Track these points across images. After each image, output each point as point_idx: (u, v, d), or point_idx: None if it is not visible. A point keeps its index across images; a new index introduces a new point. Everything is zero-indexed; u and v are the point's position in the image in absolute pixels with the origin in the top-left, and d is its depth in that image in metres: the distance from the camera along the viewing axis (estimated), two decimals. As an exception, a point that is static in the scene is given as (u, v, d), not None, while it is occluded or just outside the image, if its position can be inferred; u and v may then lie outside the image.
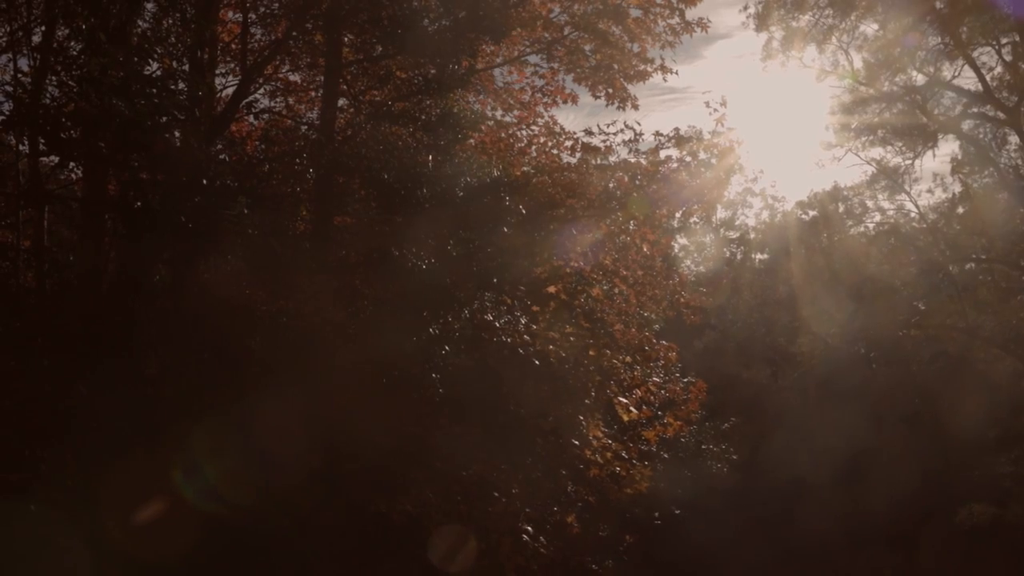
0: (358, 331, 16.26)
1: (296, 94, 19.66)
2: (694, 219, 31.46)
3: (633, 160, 19.25)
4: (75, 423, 13.37)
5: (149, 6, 15.72)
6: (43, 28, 14.21)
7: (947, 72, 30.11)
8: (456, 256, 15.89)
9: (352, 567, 14.77)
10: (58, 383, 13.21)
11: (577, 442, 16.97)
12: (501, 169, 17.34)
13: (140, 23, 15.00)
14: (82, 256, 15.38)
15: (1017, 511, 25.71)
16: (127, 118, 12.77)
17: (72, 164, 15.65)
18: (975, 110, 30.59)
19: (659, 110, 67.57)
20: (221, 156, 15.92)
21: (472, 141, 18.18)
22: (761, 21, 30.34)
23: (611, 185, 19.24)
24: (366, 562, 14.89)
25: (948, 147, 43.86)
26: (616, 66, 19.51)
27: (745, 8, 30.87)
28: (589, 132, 19.40)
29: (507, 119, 20.29)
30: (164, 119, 13.72)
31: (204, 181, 13.44)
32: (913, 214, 32.54)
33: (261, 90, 18.75)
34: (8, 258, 14.23)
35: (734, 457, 24.92)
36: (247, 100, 17.55)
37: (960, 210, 33.13)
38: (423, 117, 17.13)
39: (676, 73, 19.65)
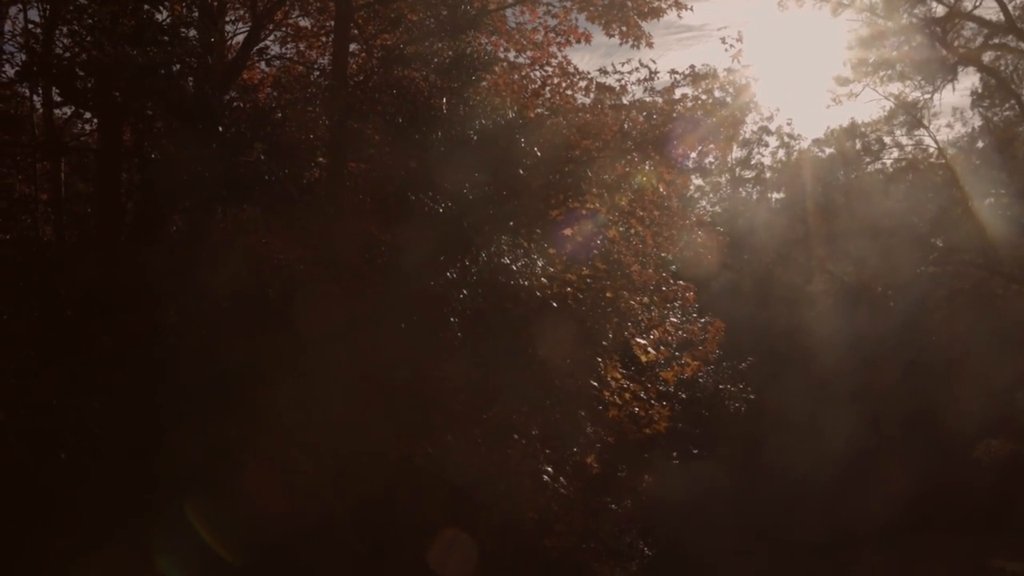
0: (376, 278, 16.33)
1: (307, 40, 19.45)
2: (710, 159, 31.19)
3: (648, 100, 19.04)
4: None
5: (155, -48, 15.57)
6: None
7: (968, 2, 29.46)
8: (472, 199, 15.83)
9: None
10: (82, 337, 13.33)
11: (596, 383, 17.09)
12: (515, 111, 17.18)
13: (149, -30, 14.85)
14: (99, 207, 15.44)
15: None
16: (141, 66, 12.70)
17: (87, 115, 15.64)
18: (996, 41, 29.92)
19: (675, 48, 66.50)
20: (235, 104, 15.86)
21: (485, 83, 17.97)
22: (778, -45, 29.69)
23: (626, 125, 19.04)
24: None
25: (968, 80, 43.22)
26: (630, 3, 19.13)
27: (761, -59, 30.24)
28: (603, 72, 19.18)
29: (520, 60, 20.01)
30: (177, 67, 13.65)
31: (220, 128, 13.39)
32: (932, 149, 32.15)
33: (272, 36, 18.58)
34: (28, 211, 14.30)
35: (752, 397, 25.00)
36: (258, 47, 17.45)
37: (980, 144, 32.72)
38: (435, 60, 16.94)
39: (691, 9, 19.27)
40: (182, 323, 15.88)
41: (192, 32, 14.72)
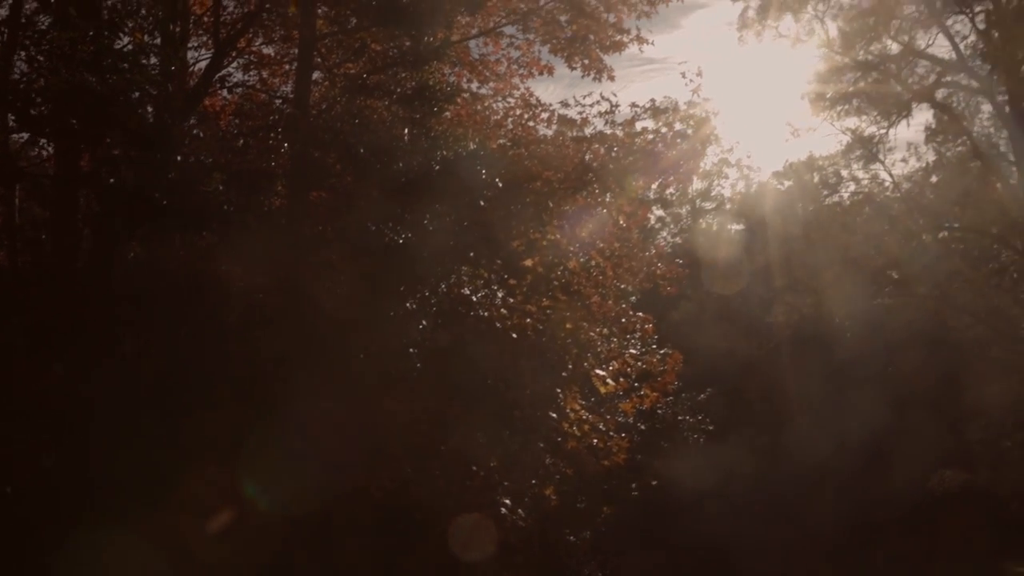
0: (335, 306, 16.27)
1: (270, 67, 19.46)
2: (670, 190, 31.53)
3: (609, 132, 19.24)
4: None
5: (119, -22, 15.50)
6: (11, 1, 13.98)
7: (921, 41, 30.14)
8: (432, 230, 15.88)
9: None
10: (34, 365, 13.14)
11: (555, 415, 17.12)
12: (477, 142, 17.28)
13: (110, -4, 14.77)
14: (55, 234, 15.25)
15: (985, 476, 26.26)
16: (99, 93, 12.60)
17: (43, 141, 15.46)
18: (949, 79, 30.67)
19: (638, 80, 67.44)
20: (195, 131, 15.80)
21: (448, 114, 18.07)
22: (738, -10, 30.24)
23: (587, 157, 19.21)
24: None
25: (922, 116, 44.17)
26: (592, 37, 19.41)
27: (722, -24, 30.79)
28: (565, 104, 19.39)
29: (483, 91, 20.19)
30: (136, 94, 13.57)
31: (178, 157, 13.32)
32: (887, 183, 32.72)
33: (234, 64, 18.57)
34: (-20, 236, 14.10)
35: (710, 428, 25.20)
36: (220, 74, 17.41)
37: (933, 179, 33.36)
38: (398, 90, 17.02)
39: (652, 44, 19.62)
40: (139, 351, 15.71)
41: (153, 59, 14.63)
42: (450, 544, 15.43)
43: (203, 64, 17.57)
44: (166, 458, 13.76)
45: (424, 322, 16.08)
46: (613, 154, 19.26)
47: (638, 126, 19.92)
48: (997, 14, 28.57)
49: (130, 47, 14.13)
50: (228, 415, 14.36)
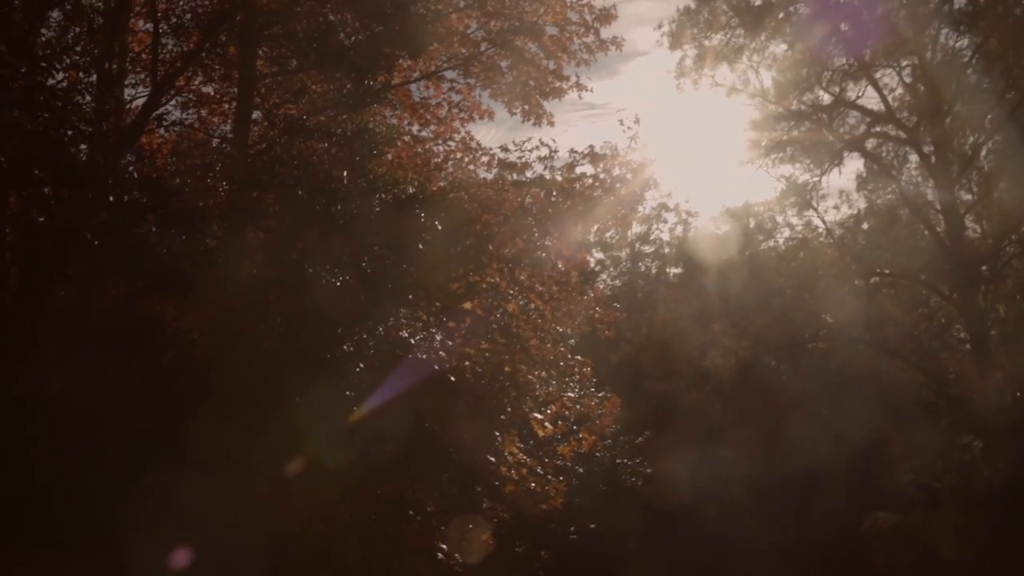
0: (271, 348, 16.08)
1: (209, 106, 19.28)
2: (610, 234, 31.84)
3: (549, 177, 19.43)
4: None
5: (54, 14, 15.34)
6: (-61, 37, 13.70)
7: (852, 92, 31.15)
8: (371, 273, 15.82)
9: None
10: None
11: (493, 458, 17.06)
12: (417, 185, 17.33)
13: (45, 32, 14.63)
14: (-20, 273, 14.86)
15: (916, 517, 26.66)
16: (29, 131, 12.39)
17: (-31, 178, 15.09)
18: (878, 129, 31.70)
19: (579, 124, 68.30)
20: (130, 170, 15.58)
21: (388, 156, 18.13)
22: (675, 40, 30.94)
23: (527, 201, 19.38)
24: None
25: (853, 164, 45.28)
26: (532, 83, 19.67)
27: (660, 27, 31.48)
28: (505, 149, 19.55)
29: (424, 134, 20.28)
30: (69, 132, 13.36)
31: (111, 197, 13.10)
32: (821, 229, 33.52)
33: (173, 102, 18.35)
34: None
35: (648, 471, 25.28)
36: (158, 112, 17.19)
37: (865, 226, 34.28)
38: (338, 132, 17.01)
39: (591, 91, 19.93)
40: (68, 393, 15.30)
41: (88, 97, 14.44)
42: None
43: (140, 102, 17.36)
44: (98, 509, 13.39)
45: (361, 365, 15.94)
46: (552, 198, 19.46)
47: (577, 171, 20.19)
48: (922, 68, 29.69)
49: (64, 84, 13.96)
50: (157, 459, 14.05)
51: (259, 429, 14.74)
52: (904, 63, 30.23)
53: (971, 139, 30.47)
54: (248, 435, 14.59)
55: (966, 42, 29.76)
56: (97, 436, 14.11)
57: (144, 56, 18.12)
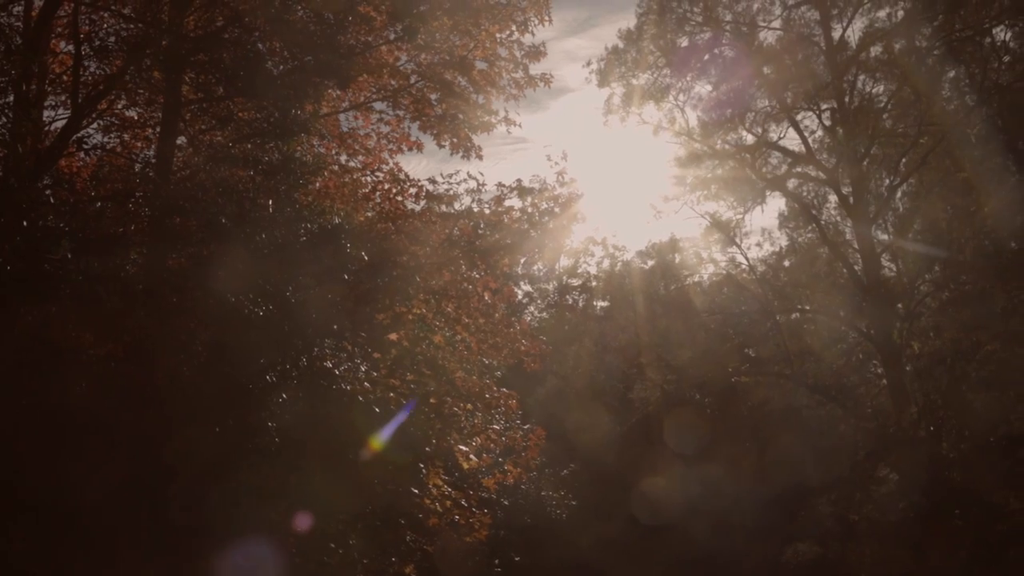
0: (192, 377, 15.75)
1: (132, 130, 18.91)
2: (537, 267, 32.16)
3: (477, 209, 19.56)
4: None
5: (-30, 34, 14.97)
6: None
7: (774, 133, 32.13)
8: (295, 303, 15.64)
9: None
10: None
11: (416, 490, 16.92)
12: (344, 215, 17.26)
13: (-42, 52, 14.24)
14: None
15: (836, 549, 27.19)
16: (-60, 153, 12.03)
17: None
18: (799, 170, 32.67)
19: (508, 158, 69.00)
20: (47, 193, 15.18)
21: (316, 186, 18.01)
22: (603, 78, 31.60)
23: (455, 232, 19.44)
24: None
25: (776, 203, 46.45)
26: (461, 116, 19.82)
27: (588, 64, 32.11)
28: (433, 180, 19.65)
29: (352, 164, 20.24)
30: (-18, 155, 13.00)
31: (25, 223, 12.75)
32: (744, 265, 34.27)
33: (94, 125, 17.96)
34: None
35: (573, 503, 25.33)
36: (78, 135, 16.79)
37: (786, 263, 35.17)
38: (265, 159, 16.83)
39: (520, 126, 20.15)
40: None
41: (3, 119, 14.08)
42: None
43: (60, 124, 16.99)
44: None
45: (284, 395, 15.70)
46: (480, 230, 19.56)
47: (505, 204, 20.36)
48: (841, 112, 30.77)
49: (-21, 106, 13.61)
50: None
51: (175, 468, 14.44)
52: (824, 106, 31.31)
53: (887, 181, 31.60)
54: (162, 480, 14.29)
55: (882, 88, 31.03)
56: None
57: (65, 78, 17.76)
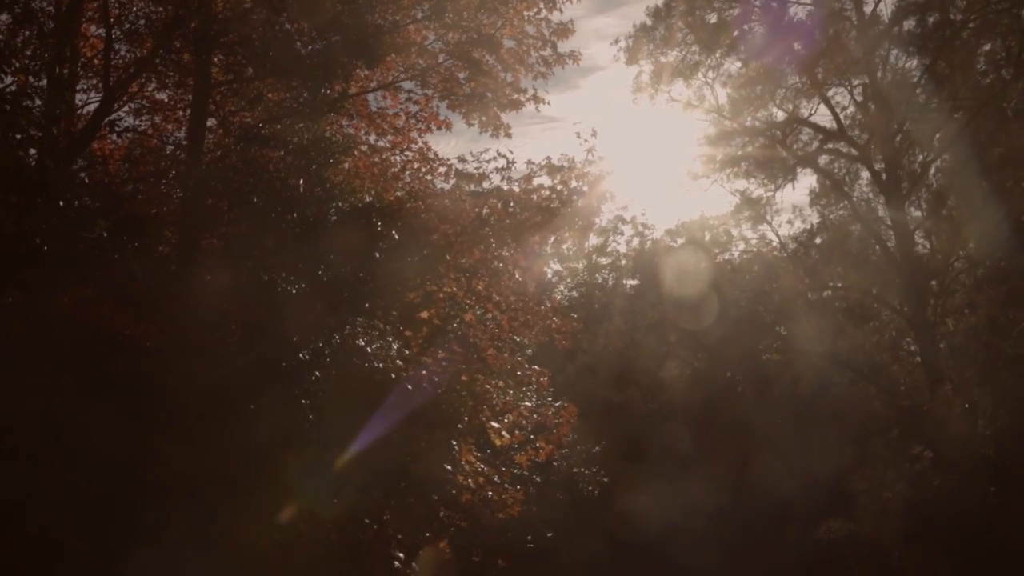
0: (227, 357, 15.90)
1: (163, 113, 19.12)
2: (567, 246, 31.97)
3: (506, 188, 19.48)
4: None
5: (3, 17, 15.13)
6: None
7: (805, 110, 31.80)
8: (327, 281, 15.74)
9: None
10: None
11: (449, 467, 16.99)
12: (374, 194, 17.30)
13: (-7, 35, 14.40)
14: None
15: (868, 526, 27.06)
16: (-23, 135, 12.20)
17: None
18: (830, 146, 32.33)
19: (538, 137, 68.81)
20: (81, 175, 15.36)
21: (345, 165, 18.06)
22: (631, 56, 31.37)
23: (484, 212, 19.40)
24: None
25: (807, 180, 46.15)
26: (490, 95, 19.73)
27: (616, 42, 31.88)
28: (463, 159, 19.57)
29: (381, 144, 20.23)
30: (18, 137, 13.14)
31: (61, 203, 12.90)
32: (775, 243, 34.03)
33: (125, 108, 18.15)
34: None
35: (605, 480, 25.36)
36: (110, 118, 16.96)
37: (818, 240, 34.86)
38: (295, 140, 16.94)
39: (548, 103, 20.03)
40: (17, 399, 14.99)
41: (38, 101, 14.23)
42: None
43: (92, 107, 17.15)
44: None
45: (318, 373, 15.83)
46: (510, 209, 19.50)
47: (535, 182, 20.28)
48: (873, 88, 30.38)
49: (13, 88, 13.74)
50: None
51: (217, 444, 14.59)
52: (855, 82, 30.95)
53: (920, 157, 31.21)
54: (206, 452, 14.42)
55: (915, 63, 30.58)
56: (50, 451, 13.83)
57: (96, 61, 17.93)
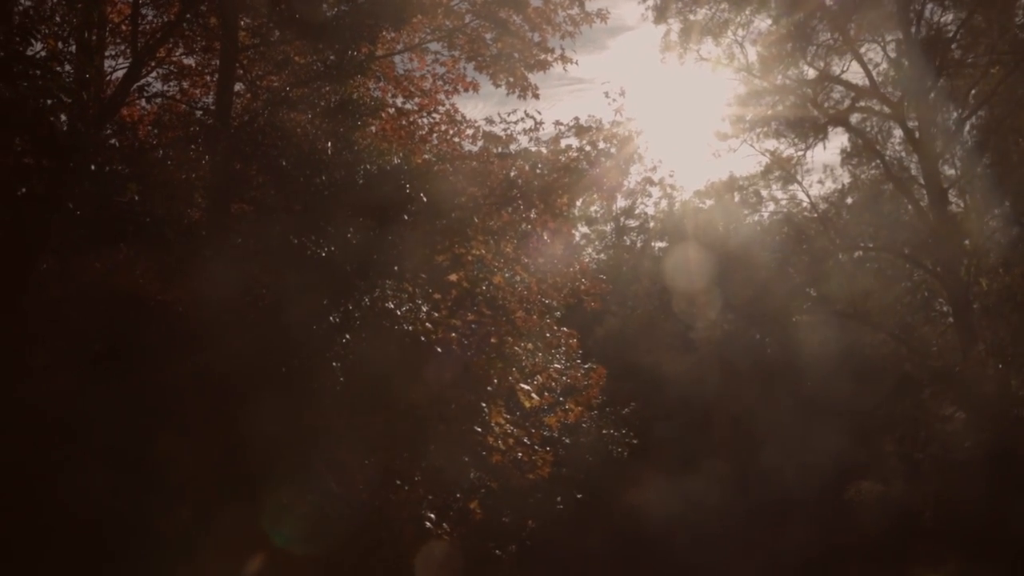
0: (257, 320, 16.02)
1: (191, 78, 19.12)
2: (595, 208, 31.85)
3: (534, 149, 19.40)
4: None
5: (32, -16, 15.12)
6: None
7: (836, 67, 31.26)
8: (356, 244, 15.76)
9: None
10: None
11: (479, 429, 17.11)
12: (402, 157, 17.26)
13: (22, 1, 14.41)
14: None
15: (899, 488, 26.99)
16: (8, 100, 12.24)
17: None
18: (862, 104, 31.79)
19: (566, 99, 68.25)
20: (111, 141, 15.43)
21: (373, 128, 18.04)
22: (660, 14, 30.92)
23: (512, 174, 19.34)
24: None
25: (838, 139, 45.54)
26: (517, 55, 19.57)
27: (644, 0, 31.42)
28: (490, 121, 19.49)
29: (408, 107, 20.16)
30: (49, 102, 13.19)
31: (92, 167, 12.98)
32: (805, 204, 33.67)
33: (154, 73, 18.18)
34: None
35: (634, 442, 25.41)
36: (139, 83, 17.01)
37: (849, 200, 34.44)
38: (322, 103, 16.92)
39: (576, 63, 19.84)
40: (50, 366, 15.23)
41: (67, 67, 14.28)
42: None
43: (120, 73, 17.20)
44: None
45: (348, 336, 15.92)
46: (538, 171, 19.43)
47: (562, 144, 20.17)
48: (907, 43, 29.75)
49: (43, 53, 13.77)
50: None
51: (254, 406, 14.75)
52: (889, 38, 30.37)
53: (955, 114, 30.65)
54: (244, 417, 14.58)
55: (951, 17, 29.89)
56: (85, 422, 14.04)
57: (124, 27, 17.94)
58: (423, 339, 16.45)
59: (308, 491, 15.04)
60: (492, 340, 17.65)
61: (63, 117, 14.06)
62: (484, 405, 17.32)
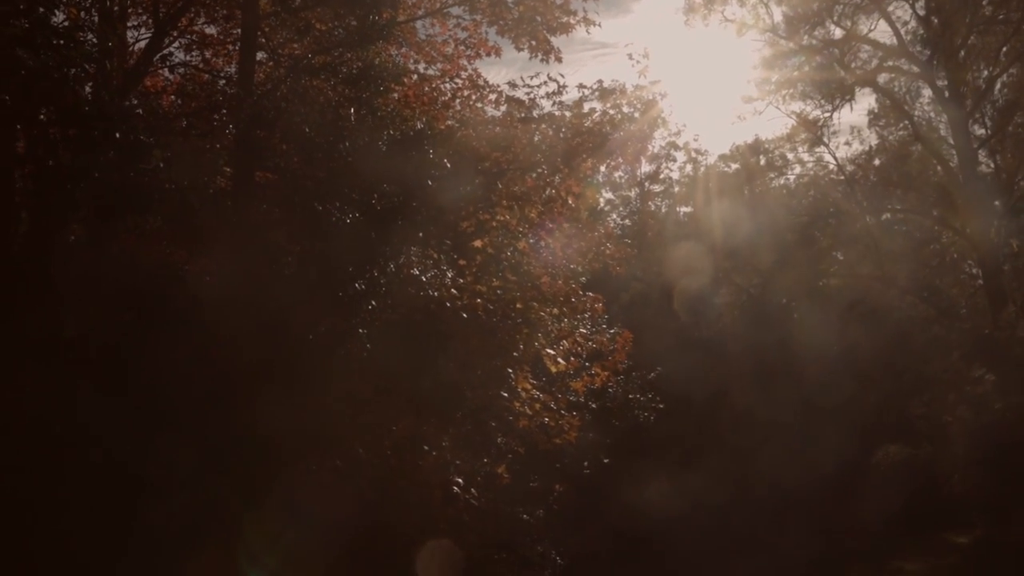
0: (283, 288, 16.08)
1: (213, 47, 19.07)
2: (619, 173, 31.64)
3: (558, 114, 19.27)
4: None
5: (52, -47, 15.09)
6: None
7: (864, 26, 30.79)
8: (380, 210, 15.75)
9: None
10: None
11: (506, 394, 17.13)
12: (425, 123, 17.17)
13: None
14: (-9, 217, 14.82)
15: (927, 450, 26.86)
16: (33, 70, 12.25)
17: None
18: (890, 63, 31.34)
19: (589, 64, 67.46)
20: (136, 110, 15.44)
21: (395, 94, 17.94)
22: (684, -26, 30.53)
23: (536, 138, 19.24)
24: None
25: (865, 101, 44.97)
26: (539, 18, 19.36)
27: (668, -39, 30.98)
28: (513, 85, 19.36)
29: (430, 72, 20.06)
30: (73, 71, 13.20)
31: (117, 135, 13.01)
32: (832, 166, 33.32)
33: (176, 43, 18.15)
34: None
35: (661, 406, 25.36)
36: (161, 53, 16.99)
37: (876, 162, 34.04)
38: (344, 70, 16.83)
39: (599, 25, 19.62)
40: (81, 336, 15.37)
41: (90, 36, 14.26)
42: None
43: (143, 43, 17.17)
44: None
45: (374, 302, 15.95)
46: (562, 135, 19.31)
47: (586, 108, 20.02)
48: (937, 1, 29.19)
49: (66, 23, 13.77)
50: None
51: (285, 367, 14.83)
52: (918, -6, 29.79)
53: (985, 73, 30.16)
54: (279, 373, 14.65)
55: (982, -29, 29.31)
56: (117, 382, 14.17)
57: (145, -4, 17.90)
58: (448, 305, 16.45)
59: (335, 456, 15.18)
60: (518, 306, 17.61)
61: (87, 87, 14.09)
62: (510, 371, 17.32)
